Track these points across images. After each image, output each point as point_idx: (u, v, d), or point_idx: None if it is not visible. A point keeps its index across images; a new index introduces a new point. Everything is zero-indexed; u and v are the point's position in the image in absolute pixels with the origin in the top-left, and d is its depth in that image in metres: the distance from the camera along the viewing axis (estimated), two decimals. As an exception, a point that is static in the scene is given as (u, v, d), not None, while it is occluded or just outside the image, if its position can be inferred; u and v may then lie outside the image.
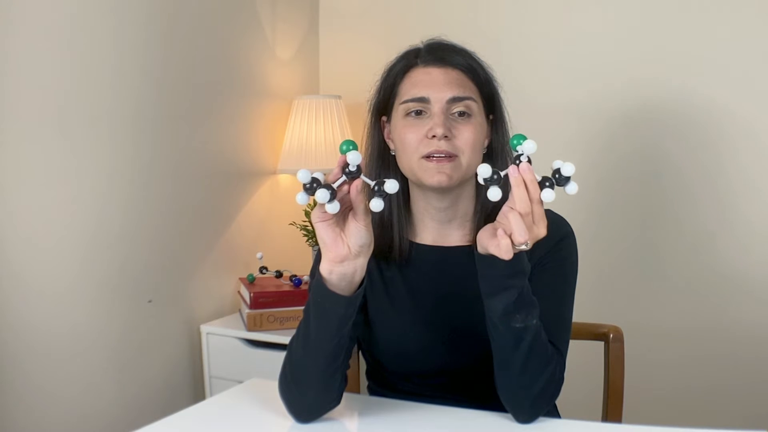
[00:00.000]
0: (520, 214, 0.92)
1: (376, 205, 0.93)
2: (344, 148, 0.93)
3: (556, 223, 1.17)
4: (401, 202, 1.19)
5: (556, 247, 1.14)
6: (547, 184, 0.92)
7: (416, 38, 1.20)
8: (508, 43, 2.19)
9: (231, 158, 2.17)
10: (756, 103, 1.94)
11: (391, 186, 0.93)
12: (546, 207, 1.19)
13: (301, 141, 2.20)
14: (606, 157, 2.12)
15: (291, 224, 2.25)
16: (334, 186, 0.93)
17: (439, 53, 1.15)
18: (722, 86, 1.96)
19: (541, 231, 0.94)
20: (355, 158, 0.93)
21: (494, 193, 0.91)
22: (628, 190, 2.11)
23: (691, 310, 2.04)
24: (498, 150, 1.17)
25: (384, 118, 1.20)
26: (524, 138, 0.91)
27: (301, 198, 0.93)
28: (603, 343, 1.39)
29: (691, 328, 2.04)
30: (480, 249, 0.98)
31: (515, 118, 1.20)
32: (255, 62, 2.24)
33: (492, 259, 0.95)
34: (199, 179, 2.05)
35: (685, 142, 2.02)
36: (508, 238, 0.93)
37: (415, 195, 1.19)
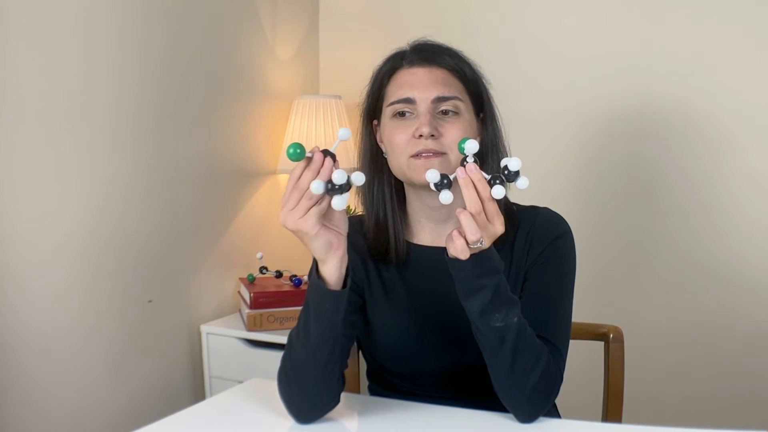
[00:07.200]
0: (472, 213, 0.95)
1: (339, 203, 0.94)
2: (290, 151, 0.95)
3: (554, 221, 1.18)
4: (396, 204, 1.20)
5: (553, 246, 1.14)
6: (497, 181, 0.95)
7: (416, 38, 1.20)
8: (505, 46, 2.19)
9: (231, 158, 2.17)
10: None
11: (358, 178, 0.94)
12: (545, 206, 1.21)
13: (301, 141, 2.18)
14: (606, 159, 2.12)
15: (291, 224, 2.24)
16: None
17: (424, 53, 1.15)
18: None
19: (498, 228, 0.97)
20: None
21: (446, 197, 0.94)
22: (628, 190, 2.11)
23: (691, 310, 2.04)
24: (489, 148, 1.17)
25: (375, 122, 1.20)
26: (466, 139, 0.96)
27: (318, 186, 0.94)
28: (603, 343, 1.39)
29: (691, 329, 2.04)
30: (448, 253, 0.99)
31: (509, 124, 1.20)
32: (255, 62, 2.24)
33: (459, 261, 0.97)
34: (199, 179, 2.05)
35: (684, 144, 2.02)
36: (462, 238, 0.96)
37: (410, 196, 1.19)
